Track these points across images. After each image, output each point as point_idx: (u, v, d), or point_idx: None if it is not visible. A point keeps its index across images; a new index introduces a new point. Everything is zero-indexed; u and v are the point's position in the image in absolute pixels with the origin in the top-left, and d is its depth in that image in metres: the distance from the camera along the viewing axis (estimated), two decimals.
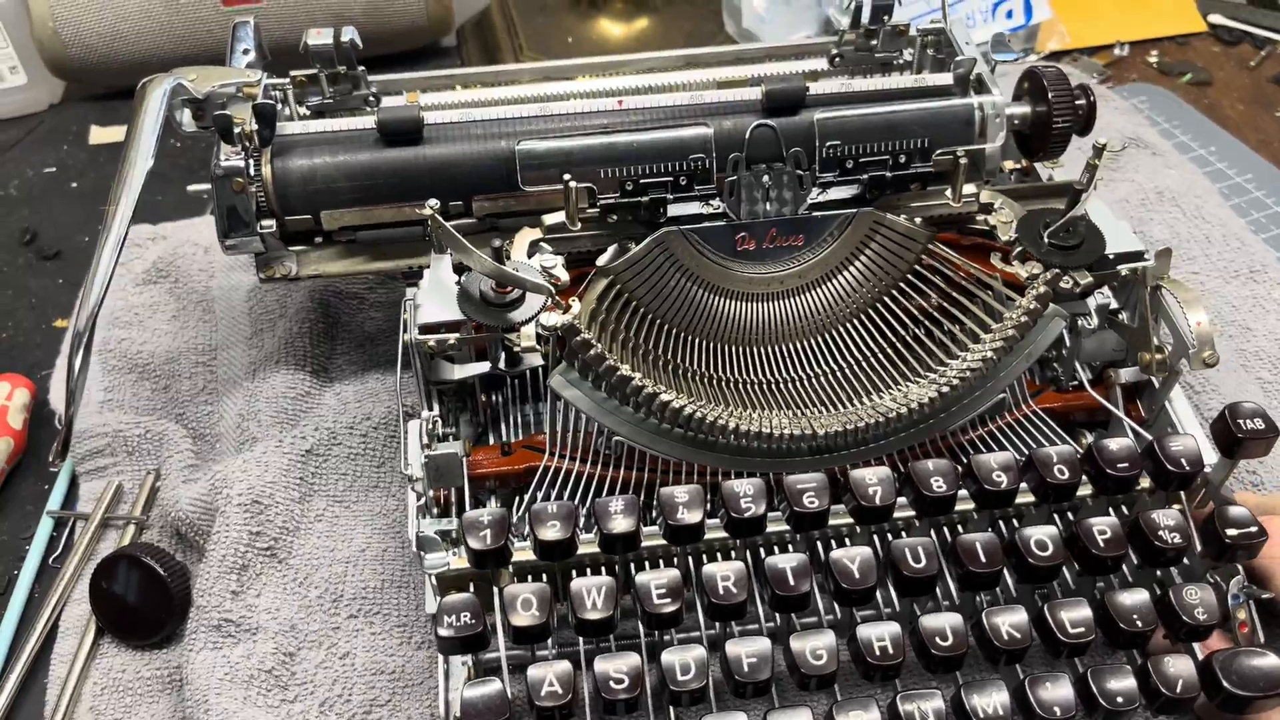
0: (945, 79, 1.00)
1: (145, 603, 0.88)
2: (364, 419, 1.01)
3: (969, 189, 0.91)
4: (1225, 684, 0.74)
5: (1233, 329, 1.10)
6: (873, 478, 0.78)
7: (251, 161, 0.93)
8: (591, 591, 0.74)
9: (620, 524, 0.76)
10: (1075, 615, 0.76)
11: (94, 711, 0.85)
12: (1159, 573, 0.84)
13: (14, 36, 1.43)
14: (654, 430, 0.82)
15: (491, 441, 0.90)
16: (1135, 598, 0.77)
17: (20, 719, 0.85)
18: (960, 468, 0.81)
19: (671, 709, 0.75)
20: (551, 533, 0.75)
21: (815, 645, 0.74)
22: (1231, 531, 0.78)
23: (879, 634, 0.74)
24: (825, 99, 0.97)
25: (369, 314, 1.12)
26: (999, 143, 0.96)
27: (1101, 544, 0.78)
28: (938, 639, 0.74)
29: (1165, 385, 0.89)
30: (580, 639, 0.78)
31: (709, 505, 0.81)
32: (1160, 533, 0.78)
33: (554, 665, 0.72)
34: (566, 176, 0.86)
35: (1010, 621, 0.76)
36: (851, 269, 0.90)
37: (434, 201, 0.82)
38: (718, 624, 0.81)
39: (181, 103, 0.98)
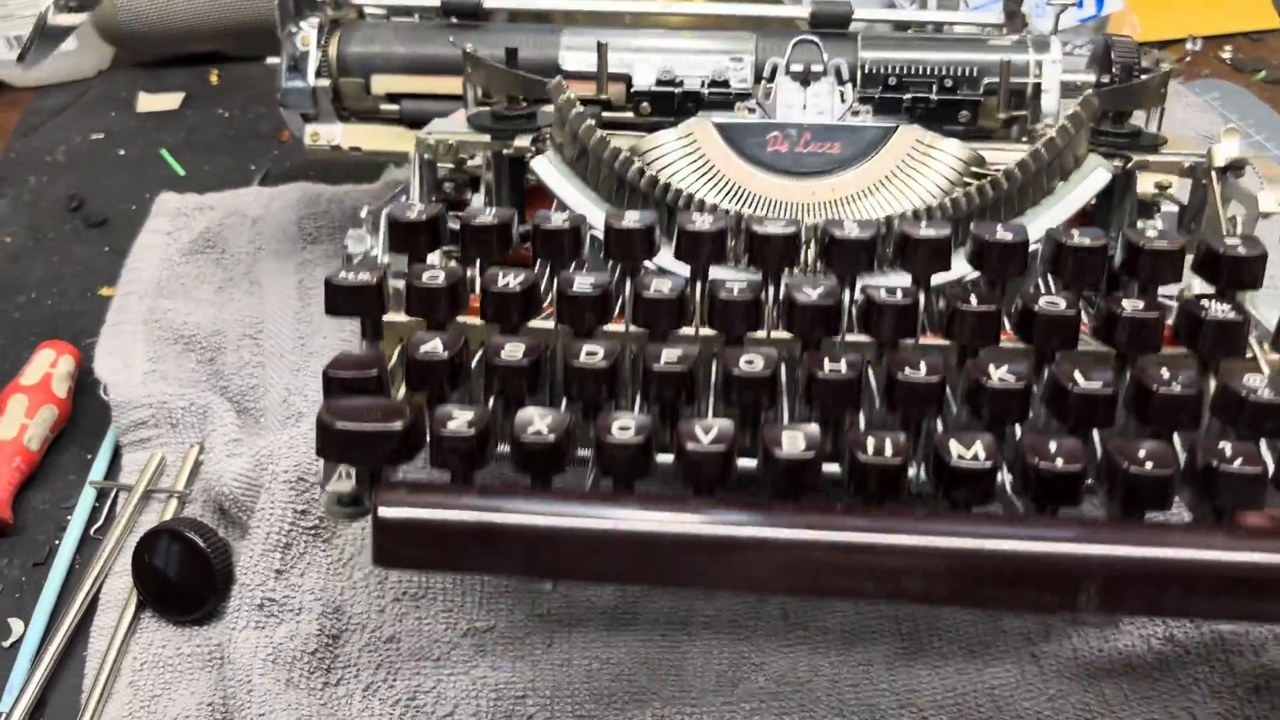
0: (995, 17, 1.00)
1: (186, 578, 0.87)
2: None
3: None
4: None
5: None
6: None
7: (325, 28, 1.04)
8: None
9: None
10: (1093, 374, 0.63)
11: (134, 687, 0.84)
12: None
13: None
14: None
15: None
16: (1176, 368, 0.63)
17: (59, 691, 0.84)
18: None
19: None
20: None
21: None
22: None
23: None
24: (873, 24, 1.00)
25: None
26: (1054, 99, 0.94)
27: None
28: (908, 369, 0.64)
29: None
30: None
31: None
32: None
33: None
34: (602, 44, 0.89)
35: (1005, 366, 0.64)
36: (888, 189, 0.85)
37: (469, 45, 0.88)
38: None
39: None
